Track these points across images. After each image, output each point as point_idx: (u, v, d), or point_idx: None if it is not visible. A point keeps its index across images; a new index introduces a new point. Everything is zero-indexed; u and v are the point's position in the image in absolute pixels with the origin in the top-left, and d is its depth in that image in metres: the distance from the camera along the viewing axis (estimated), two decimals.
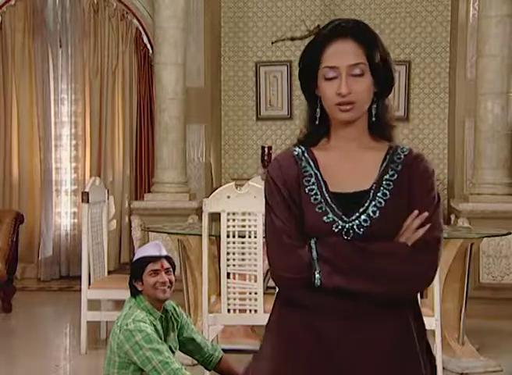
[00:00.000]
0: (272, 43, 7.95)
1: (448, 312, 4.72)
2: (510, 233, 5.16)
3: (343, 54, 1.82)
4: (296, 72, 8.43)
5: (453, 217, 6.43)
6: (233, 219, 4.18)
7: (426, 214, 1.81)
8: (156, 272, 3.43)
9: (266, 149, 7.74)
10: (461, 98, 7.17)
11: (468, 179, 6.99)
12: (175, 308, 3.59)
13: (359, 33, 1.84)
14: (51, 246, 7.92)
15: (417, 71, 7.66)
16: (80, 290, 5.18)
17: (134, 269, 3.51)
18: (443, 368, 4.43)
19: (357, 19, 1.89)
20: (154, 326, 3.37)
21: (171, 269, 3.51)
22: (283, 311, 1.90)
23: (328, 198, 1.85)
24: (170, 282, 3.47)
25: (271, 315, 1.95)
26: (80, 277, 5.29)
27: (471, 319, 5.04)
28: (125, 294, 3.61)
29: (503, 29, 6.20)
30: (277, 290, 1.94)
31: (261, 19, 7.95)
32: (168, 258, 3.52)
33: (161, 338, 3.36)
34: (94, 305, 5.34)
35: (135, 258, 3.55)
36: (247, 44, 7.99)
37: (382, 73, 1.86)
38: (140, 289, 3.45)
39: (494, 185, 6.25)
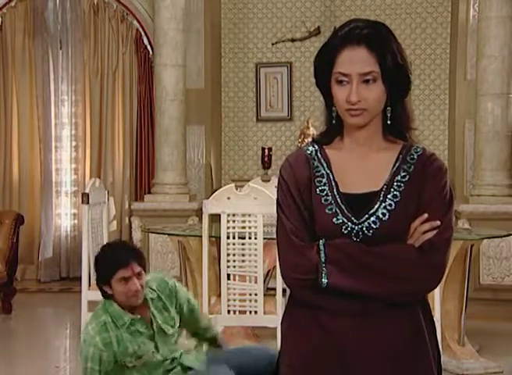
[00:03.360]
0: (273, 44, 7.94)
1: (448, 314, 4.72)
2: (510, 235, 5.15)
3: (355, 62, 1.80)
4: (296, 73, 8.44)
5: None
6: (233, 221, 4.18)
7: (437, 223, 1.81)
8: (127, 279, 3.03)
9: (266, 150, 7.74)
10: (461, 99, 7.18)
11: (468, 180, 6.99)
12: (165, 287, 3.22)
13: (373, 40, 1.80)
14: (52, 247, 7.92)
15: (417, 72, 7.65)
16: (80, 291, 5.16)
17: (101, 273, 3.10)
18: (443, 369, 4.42)
19: (375, 23, 1.85)
20: (121, 334, 3.09)
21: (142, 271, 3.08)
22: (294, 311, 1.91)
23: (338, 199, 1.85)
24: (142, 286, 3.07)
25: (283, 315, 1.97)
26: (80, 278, 5.27)
27: (472, 320, 5.04)
28: None
29: (503, 30, 6.20)
30: (287, 291, 1.95)
31: (261, 20, 7.96)
32: (137, 255, 3.10)
33: (139, 348, 3.12)
34: (94, 306, 5.28)
35: (100, 258, 3.14)
36: (247, 45, 7.99)
37: (396, 78, 1.83)
38: (110, 293, 3.10)
39: (494, 186, 6.25)
